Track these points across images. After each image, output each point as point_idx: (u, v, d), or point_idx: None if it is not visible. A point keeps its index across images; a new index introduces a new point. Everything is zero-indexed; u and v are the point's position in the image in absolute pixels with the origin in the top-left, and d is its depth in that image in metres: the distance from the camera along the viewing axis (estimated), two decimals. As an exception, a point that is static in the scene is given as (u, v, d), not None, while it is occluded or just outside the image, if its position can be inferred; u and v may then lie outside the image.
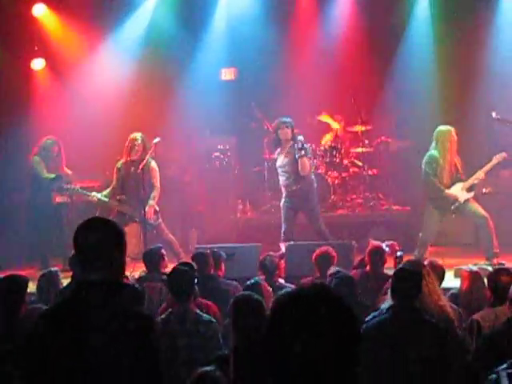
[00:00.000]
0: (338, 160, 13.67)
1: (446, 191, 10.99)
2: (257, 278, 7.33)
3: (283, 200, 11.38)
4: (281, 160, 11.29)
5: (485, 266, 10.09)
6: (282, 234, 11.13)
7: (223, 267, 8.76)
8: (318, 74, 14.39)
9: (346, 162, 14.00)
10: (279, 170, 11.36)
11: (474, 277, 7.34)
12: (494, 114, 11.01)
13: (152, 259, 8.76)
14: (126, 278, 7.55)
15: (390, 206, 13.81)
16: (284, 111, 13.56)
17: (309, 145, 11.62)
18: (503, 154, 10.97)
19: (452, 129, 11.06)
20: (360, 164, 13.95)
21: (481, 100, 13.40)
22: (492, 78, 13.71)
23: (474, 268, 8.29)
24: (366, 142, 13.87)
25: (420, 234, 11.30)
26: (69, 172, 12.23)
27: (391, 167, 14.32)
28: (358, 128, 13.97)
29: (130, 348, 3.65)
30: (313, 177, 11.61)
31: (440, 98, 14.15)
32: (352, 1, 14.90)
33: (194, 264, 7.32)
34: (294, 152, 11.06)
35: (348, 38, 14.74)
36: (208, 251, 8.63)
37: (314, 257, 8.47)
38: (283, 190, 11.38)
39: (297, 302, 2.53)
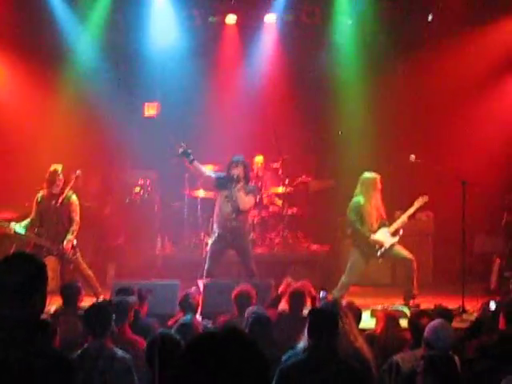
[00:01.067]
0: (257, 198, 13.70)
1: (372, 237, 11.12)
2: (189, 317, 7.36)
3: (214, 237, 11.15)
4: (231, 192, 11.00)
5: (401, 307, 10.24)
6: (205, 272, 10.96)
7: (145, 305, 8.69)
8: (240, 112, 14.56)
9: (265, 200, 14.06)
10: (224, 200, 11.02)
11: (388, 318, 7.44)
12: (412, 158, 11.20)
13: (69, 294, 8.64)
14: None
15: (308, 245, 13.92)
16: (205, 148, 13.66)
17: (253, 184, 11.54)
18: (425, 198, 11.17)
19: (378, 176, 11.23)
20: (280, 203, 14.02)
21: (401, 141, 13.71)
22: (413, 120, 14.11)
23: (390, 309, 8.42)
24: (286, 181, 13.94)
25: (343, 277, 11.35)
26: None
27: (310, 207, 14.46)
28: (279, 166, 14.07)
29: None
30: (249, 217, 11.65)
31: (360, 139, 14.40)
32: (276, 40, 15.12)
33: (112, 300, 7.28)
34: (246, 189, 11.02)
35: (271, 77, 14.95)
36: (134, 287, 8.57)
37: (233, 295, 8.44)
38: (217, 225, 11.13)
39: (209, 346, 2.56)
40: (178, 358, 2.61)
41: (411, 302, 10.82)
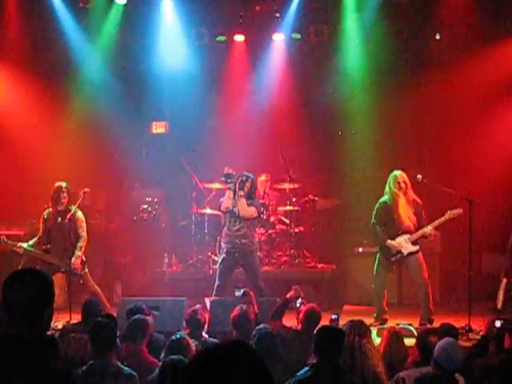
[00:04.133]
0: (264, 217, 13.70)
1: (388, 241, 10.83)
2: (181, 333, 7.32)
3: (223, 256, 11.24)
4: (236, 209, 11.15)
5: (407, 326, 10.19)
6: (214, 290, 11.03)
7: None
8: (247, 131, 14.58)
9: (272, 219, 14.06)
10: (231, 219, 11.18)
11: (392, 335, 7.44)
12: (419, 177, 11.07)
13: (89, 311, 8.51)
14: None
15: (315, 264, 13.88)
16: (213, 166, 13.70)
17: (261, 201, 11.60)
18: (459, 210, 10.68)
19: (401, 173, 10.87)
20: (287, 221, 14.02)
21: (409, 160, 13.71)
22: (421, 138, 14.15)
23: (396, 327, 8.40)
24: (294, 199, 13.95)
25: (372, 286, 11.19)
26: None
27: (317, 225, 14.45)
28: (286, 186, 14.07)
29: None
30: (256, 235, 11.67)
31: (367, 158, 14.42)
32: (284, 59, 15.19)
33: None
34: (248, 200, 11.12)
35: (279, 95, 15.00)
36: (144, 306, 8.59)
37: (231, 317, 8.38)
38: (224, 243, 11.26)
39: (213, 358, 2.53)
40: (182, 374, 2.58)
41: (428, 324, 10.46)
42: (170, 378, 5.43)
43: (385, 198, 10.99)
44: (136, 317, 7.69)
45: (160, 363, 5.88)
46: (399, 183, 10.82)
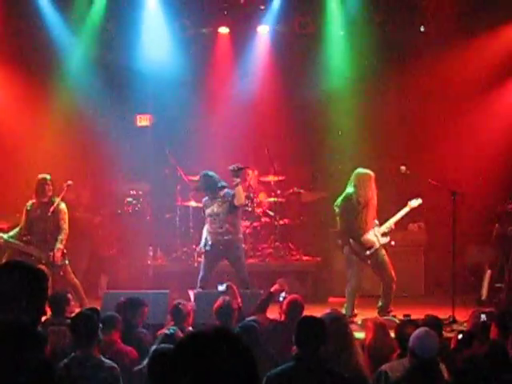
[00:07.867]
0: (249, 209, 13.69)
1: (364, 236, 10.70)
2: (174, 328, 7.39)
3: (207, 248, 11.23)
4: (214, 208, 11.16)
5: (391, 318, 10.20)
6: (199, 281, 11.03)
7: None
8: (232, 124, 14.50)
9: (258, 211, 14.04)
10: (210, 219, 11.18)
11: (378, 327, 7.42)
12: (402, 169, 11.08)
13: (58, 303, 8.60)
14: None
15: (300, 257, 13.87)
16: (198, 159, 13.65)
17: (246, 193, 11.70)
18: (419, 201, 10.80)
19: (371, 173, 10.77)
20: (272, 214, 13.99)
21: (394, 153, 13.70)
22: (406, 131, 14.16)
23: (380, 319, 8.40)
24: (279, 192, 13.93)
25: (347, 287, 11.03)
26: None
27: (302, 218, 14.44)
28: (271, 178, 14.05)
29: None
30: (240, 227, 11.65)
31: (352, 151, 14.38)
32: (268, 51, 15.12)
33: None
34: (229, 200, 11.05)
35: (264, 87, 14.92)
36: (140, 299, 8.65)
37: (214, 308, 8.40)
38: (210, 237, 11.22)
39: (196, 341, 2.50)
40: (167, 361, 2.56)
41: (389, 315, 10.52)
42: (160, 365, 5.39)
43: (352, 193, 10.75)
44: (108, 313, 7.75)
45: (151, 352, 5.86)
46: (371, 184, 10.73)
